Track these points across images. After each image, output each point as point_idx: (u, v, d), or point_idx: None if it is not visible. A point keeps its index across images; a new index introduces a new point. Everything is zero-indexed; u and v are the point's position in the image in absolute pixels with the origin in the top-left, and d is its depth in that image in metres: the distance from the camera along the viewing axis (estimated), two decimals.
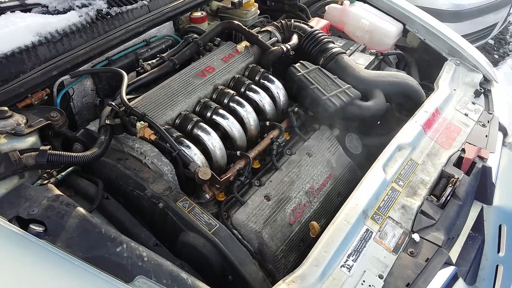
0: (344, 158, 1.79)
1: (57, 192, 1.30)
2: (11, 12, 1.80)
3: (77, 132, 1.59)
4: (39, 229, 1.16)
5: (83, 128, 1.61)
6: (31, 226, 1.17)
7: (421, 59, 2.48)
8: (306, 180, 1.63)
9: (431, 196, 1.52)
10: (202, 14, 2.27)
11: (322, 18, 2.57)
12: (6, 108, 1.44)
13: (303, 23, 2.22)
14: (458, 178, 1.57)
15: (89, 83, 1.83)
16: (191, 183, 1.51)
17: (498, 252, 1.70)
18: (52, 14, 1.86)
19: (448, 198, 1.50)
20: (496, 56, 5.08)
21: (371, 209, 1.41)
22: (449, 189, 1.52)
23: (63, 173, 1.43)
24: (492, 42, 5.27)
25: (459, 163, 1.67)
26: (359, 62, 2.22)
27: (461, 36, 2.44)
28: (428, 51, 2.42)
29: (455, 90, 2.07)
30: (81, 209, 1.25)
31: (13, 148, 1.35)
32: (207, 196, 1.49)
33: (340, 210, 1.39)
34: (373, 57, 2.29)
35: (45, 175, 1.40)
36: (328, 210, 1.64)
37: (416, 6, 2.59)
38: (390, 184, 1.52)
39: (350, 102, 1.82)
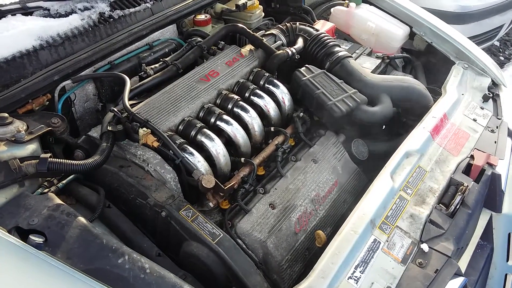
0: (351, 164, 1.76)
1: (58, 201, 1.27)
2: (12, 15, 1.78)
3: (78, 139, 1.56)
4: (39, 240, 1.13)
5: (85, 135, 1.59)
6: (31, 237, 1.14)
7: (428, 63, 2.44)
8: (311, 187, 1.60)
9: (440, 204, 1.48)
10: (206, 17, 2.23)
11: (328, 20, 2.54)
12: (6, 115, 1.41)
13: (308, 26, 2.19)
14: (467, 186, 1.53)
15: (91, 88, 1.80)
16: (195, 191, 1.48)
17: (507, 260, 1.67)
18: (54, 18, 1.83)
19: (457, 207, 1.47)
20: (502, 58, 5.03)
21: (379, 219, 1.38)
22: (458, 198, 1.49)
23: (64, 181, 1.40)
24: (497, 44, 5.22)
25: (468, 170, 1.64)
26: (365, 66, 2.19)
27: (467, 38, 2.40)
28: (435, 55, 2.38)
29: (463, 94, 2.03)
30: (82, 219, 1.22)
31: (13, 156, 1.32)
32: (211, 204, 1.46)
33: (347, 219, 1.35)
34: (379, 60, 2.26)
35: (45, 183, 1.37)
36: (334, 218, 1.60)
37: (422, 8, 2.55)
38: (398, 192, 1.48)
39: (356, 108, 1.79)
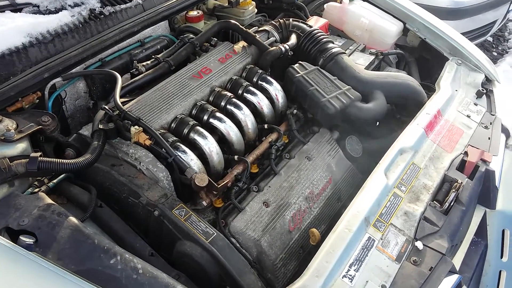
0: (345, 161, 1.75)
1: (49, 201, 1.25)
2: (0, 12, 1.75)
3: (69, 137, 1.54)
4: (29, 241, 1.12)
5: (76, 133, 1.56)
6: (21, 238, 1.12)
7: (421, 59, 2.44)
8: (305, 185, 1.59)
9: (434, 201, 1.48)
10: (198, 13, 2.21)
11: (321, 16, 2.52)
12: None
13: (301, 22, 2.17)
14: (461, 183, 1.53)
15: (82, 85, 1.77)
16: (188, 189, 1.47)
17: (501, 257, 1.67)
18: (44, 14, 1.80)
19: (451, 204, 1.47)
20: (495, 54, 5.05)
21: (373, 216, 1.37)
22: (452, 194, 1.48)
23: (54, 181, 1.38)
24: (491, 39, 5.23)
25: (462, 166, 1.63)
26: (359, 62, 2.18)
27: (461, 33, 2.40)
28: (429, 51, 2.37)
29: (456, 90, 2.03)
30: (73, 219, 1.20)
31: (3, 155, 1.30)
32: (204, 203, 1.44)
33: (341, 217, 1.35)
34: (373, 57, 2.25)
35: (36, 182, 1.35)
36: (328, 216, 1.60)
37: (416, 3, 2.54)
38: (392, 189, 1.48)
39: (350, 104, 1.78)
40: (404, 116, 1.98)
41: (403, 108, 2.01)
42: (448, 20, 3.42)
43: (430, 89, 2.08)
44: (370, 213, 1.36)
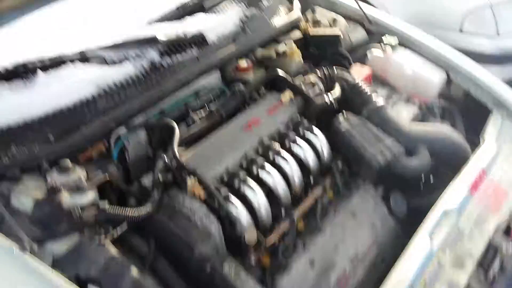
0: (389, 220, 1.78)
1: (114, 250, 1.35)
2: (71, 62, 1.90)
3: (131, 186, 1.65)
4: None
5: (137, 181, 1.67)
6: (90, 286, 1.22)
7: (465, 110, 2.43)
8: (350, 244, 1.63)
9: (479, 268, 1.49)
10: (248, 63, 2.31)
11: (364, 63, 2.57)
12: (69, 162, 1.48)
13: (345, 71, 2.24)
14: (507, 248, 1.54)
15: (143, 135, 1.87)
16: (237, 244, 1.53)
17: None
18: (109, 65, 1.94)
19: (496, 272, 1.48)
20: None
21: (417, 285, 1.40)
22: (497, 261, 1.49)
23: (118, 230, 1.48)
24: None
25: (508, 230, 1.64)
26: (402, 113, 2.21)
27: (506, 80, 2.36)
28: (473, 102, 2.37)
29: (502, 146, 2.02)
30: (135, 271, 1.29)
31: (75, 204, 1.38)
32: (252, 259, 1.51)
33: (385, 284, 1.37)
34: (416, 108, 2.28)
35: (102, 231, 1.44)
36: (371, 279, 1.62)
37: (459, 49, 2.54)
38: (436, 254, 1.50)
39: (394, 159, 1.82)
40: (447, 171, 1.99)
41: (446, 163, 2.03)
42: (492, 65, 3.39)
43: (474, 143, 2.07)
44: (414, 281, 1.39)
